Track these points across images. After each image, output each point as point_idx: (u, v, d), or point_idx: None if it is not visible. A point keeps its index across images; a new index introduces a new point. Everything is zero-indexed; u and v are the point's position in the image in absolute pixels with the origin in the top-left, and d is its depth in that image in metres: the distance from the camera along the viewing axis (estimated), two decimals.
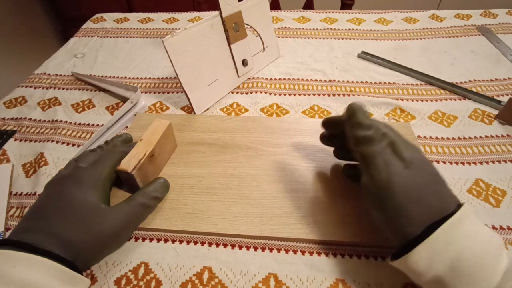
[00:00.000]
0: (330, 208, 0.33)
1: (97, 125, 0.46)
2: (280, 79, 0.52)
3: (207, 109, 0.47)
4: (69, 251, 0.26)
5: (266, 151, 0.39)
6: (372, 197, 0.26)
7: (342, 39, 0.62)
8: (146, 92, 0.51)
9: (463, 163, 0.38)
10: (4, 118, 0.48)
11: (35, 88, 0.54)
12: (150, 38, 0.65)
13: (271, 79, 0.52)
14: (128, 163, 0.32)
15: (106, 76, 0.55)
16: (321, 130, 0.35)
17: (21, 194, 0.37)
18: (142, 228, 0.32)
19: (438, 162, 0.38)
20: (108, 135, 0.43)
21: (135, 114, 0.46)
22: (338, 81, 0.51)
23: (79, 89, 0.53)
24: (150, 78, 0.54)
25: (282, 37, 0.63)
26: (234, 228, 0.31)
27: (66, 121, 0.46)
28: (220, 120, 0.44)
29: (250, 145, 0.40)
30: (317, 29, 0.65)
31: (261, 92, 0.49)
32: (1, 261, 0.23)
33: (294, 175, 0.36)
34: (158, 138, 0.35)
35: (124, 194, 0.34)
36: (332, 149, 0.36)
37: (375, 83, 0.51)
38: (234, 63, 0.49)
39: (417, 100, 0.47)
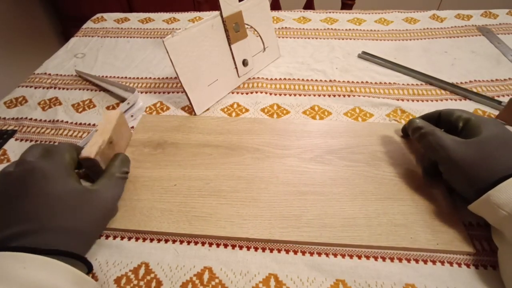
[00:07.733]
0: (339, 210, 0.32)
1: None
2: (280, 79, 0.52)
3: (208, 109, 0.47)
4: (72, 240, 0.27)
5: (273, 153, 0.39)
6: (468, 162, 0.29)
7: (343, 39, 0.62)
8: (146, 92, 0.51)
9: None
10: (4, 118, 0.48)
11: (35, 88, 0.54)
12: (151, 38, 0.65)
13: (271, 79, 0.52)
14: (90, 150, 0.33)
15: (106, 76, 0.55)
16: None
17: None
18: (150, 232, 0.32)
19: None
20: None
21: (132, 115, 0.46)
22: (339, 81, 0.51)
23: (80, 89, 0.53)
24: (150, 78, 0.54)
25: (283, 37, 0.63)
26: (243, 232, 0.31)
27: (66, 121, 0.46)
28: (226, 122, 0.44)
29: (257, 147, 0.40)
30: (317, 29, 0.65)
31: (261, 92, 0.49)
32: (11, 262, 0.23)
33: (303, 177, 0.36)
34: (113, 126, 0.36)
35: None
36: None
37: (376, 83, 0.51)
38: (235, 63, 0.49)
39: (418, 101, 0.47)
